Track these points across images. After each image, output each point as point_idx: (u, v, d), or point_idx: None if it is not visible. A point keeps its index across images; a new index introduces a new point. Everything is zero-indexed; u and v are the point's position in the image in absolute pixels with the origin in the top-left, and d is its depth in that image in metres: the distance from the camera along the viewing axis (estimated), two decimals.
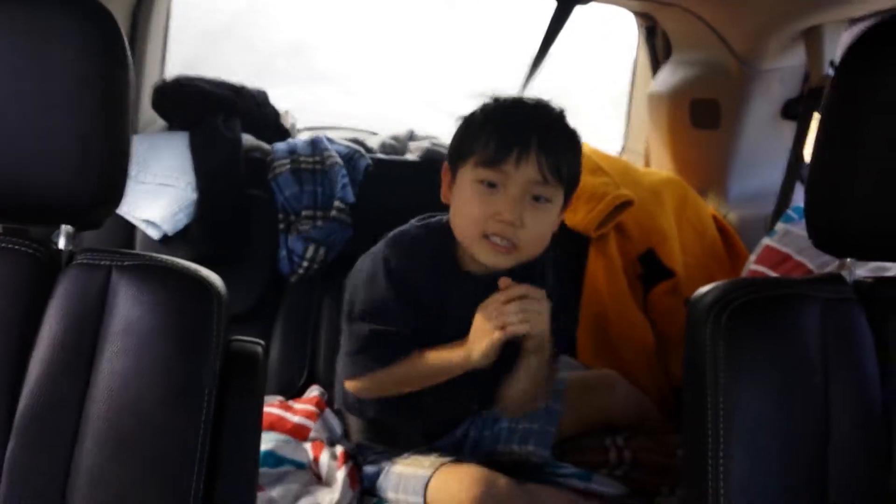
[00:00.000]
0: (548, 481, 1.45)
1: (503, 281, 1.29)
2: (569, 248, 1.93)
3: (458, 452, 1.44)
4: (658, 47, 2.22)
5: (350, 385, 1.40)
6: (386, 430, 1.48)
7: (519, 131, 1.31)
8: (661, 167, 2.23)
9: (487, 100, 1.38)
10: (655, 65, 2.23)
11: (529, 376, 1.35)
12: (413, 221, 1.47)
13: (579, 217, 1.94)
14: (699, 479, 0.93)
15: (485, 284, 1.33)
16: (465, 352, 1.29)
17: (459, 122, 1.40)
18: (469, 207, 1.33)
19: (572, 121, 1.37)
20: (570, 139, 1.37)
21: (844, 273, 1.01)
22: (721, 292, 0.94)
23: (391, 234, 1.42)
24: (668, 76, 2.14)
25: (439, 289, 1.37)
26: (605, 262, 1.94)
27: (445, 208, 1.51)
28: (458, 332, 1.32)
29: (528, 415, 1.50)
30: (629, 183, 1.99)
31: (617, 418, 1.59)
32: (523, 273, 1.39)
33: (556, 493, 1.40)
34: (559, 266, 1.55)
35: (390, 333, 1.34)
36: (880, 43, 0.92)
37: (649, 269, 1.94)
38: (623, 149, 2.43)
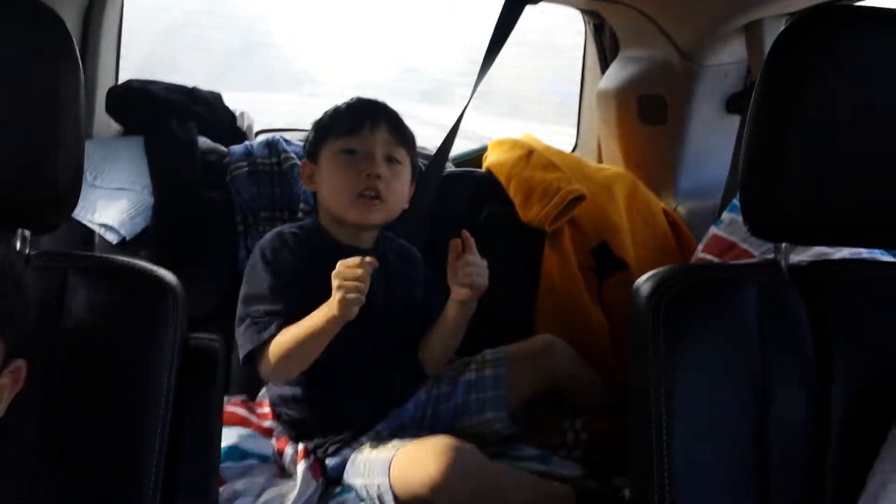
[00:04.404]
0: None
1: (456, 244, 1.45)
2: (525, 242, 1.98)
3: (418, 433, 1.48)
4: (606, 45, 2.26)
5: (263, 370, 1.46)
6: (331, 417, 1.52)
7: (368, 107, 1.61)
8: (613, 163, 2.27)
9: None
10: (604, 62, 2.28)
11: (455, 329, 1.53)
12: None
13: (533, 212, 1.97)
14: (645, 456, 0.97)
15: (353, 252, 1.48)
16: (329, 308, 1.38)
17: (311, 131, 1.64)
18: (337, 175, 1.55)
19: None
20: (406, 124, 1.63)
21: (779, 258, 1.06)
22: (661, 278, 0.98)
23: (267, 235, 1.59)
24: (615, 73, 2.19)
25: (320, 267, 1.46)
26: (560, 255, 1.97)
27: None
28: (322, 301, 1.43)
29: (476, 386, 1.60)
30: (581, 178, 2.03)
31: (561, 377, 1.67)
32: (383, 256, 1.56)
33: (516, 472, 1.46)
34: (441, 258, 1.64)
35: (264, 312, 1.46)
36: (809, 32, 0.95)
37: (603, 261, 1.98)
38: (576, 145, 2.47)
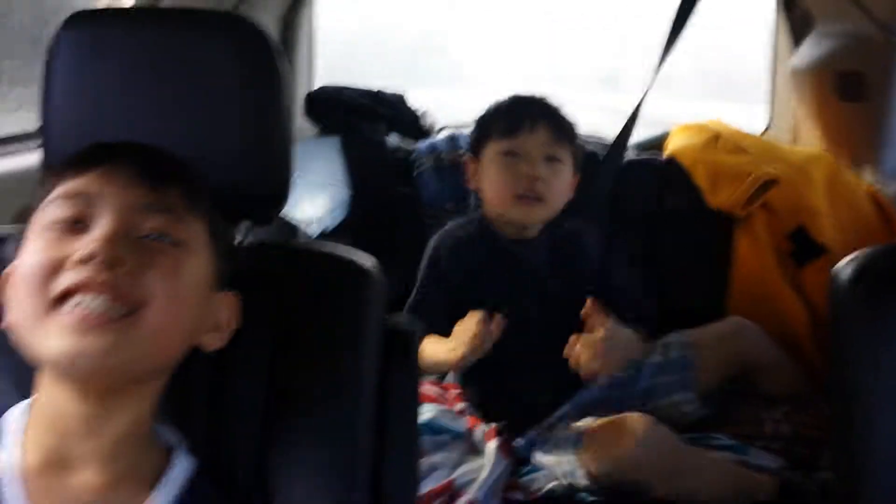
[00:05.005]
0: None
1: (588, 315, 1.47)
2: (713, 229, 1.93)
3: (605, 415, 1.48)
4: (797, 21, 2.15)
5: None
6: (512, 403, 1.55)
7: (527, 106, 1.63)
8: (810, 143, 2.16)
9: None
10: (796, 39, 2.17)
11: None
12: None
13: (722, 198, 1.93)
14: (849, 450, 0.93)
15: (521, 246, 1.59)
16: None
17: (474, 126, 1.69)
18: (498, 177, 1.60)
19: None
20: (568, 117, 1.65)
21: None
22: (862, 261, 0.93)
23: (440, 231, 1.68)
24: (809, 50, 2.07)
25: (487, 261, 1.57)
26: (752, 241, 1.91)
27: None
28: (496, 294, 1.53)
29: (662, 369, 1.57)
30: (773, 160, 1.95)
31: (752, 362, 1.61)
32: (550, 245, 1.61)
33: (712, 455, 1.43)
34: (618, 246, 1.71)
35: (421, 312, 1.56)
36: None
37: (801, 246, 1.89)
38: (768, 127, 2.38)
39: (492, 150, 1.62)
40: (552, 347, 1.56)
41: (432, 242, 1.65)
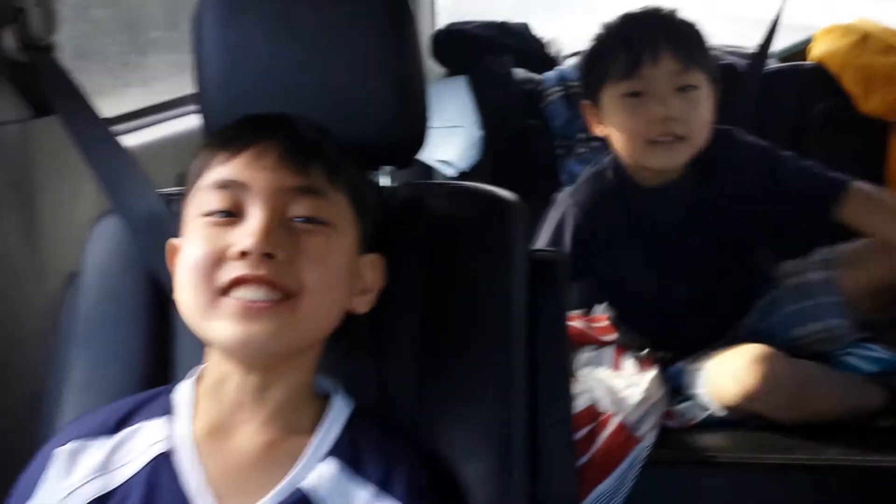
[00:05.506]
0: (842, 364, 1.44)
1: None
2: (865, 136, 1.85)
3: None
4: None
5: None
6: (667, 341, 1.51)
7: (643, 34, 1.41)
8: None
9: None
10: None
11: None
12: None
13: (875, 102, 1.84)
14: None
15: (663, 195, 1.46)
16: None
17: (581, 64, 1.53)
18: (626, 122, 1.41)
19: None
20: (694, 27, 1.45)
21: None
22: None
23: (575, 184, 1.55)
24: None
25: (621, 213, 1.47)
26: None
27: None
28: (646, 243, 1.46)
29: (804, 291, 1.49)
30: None
31: None
32: (697, 180, 1.46)
33: (834, 373, 1.39)
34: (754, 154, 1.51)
35: None
36: None
37: None
38: None
39: (612, 93, 1.42)
40: (708, 286, 1.51)
41: (566, 197, 1.52)
